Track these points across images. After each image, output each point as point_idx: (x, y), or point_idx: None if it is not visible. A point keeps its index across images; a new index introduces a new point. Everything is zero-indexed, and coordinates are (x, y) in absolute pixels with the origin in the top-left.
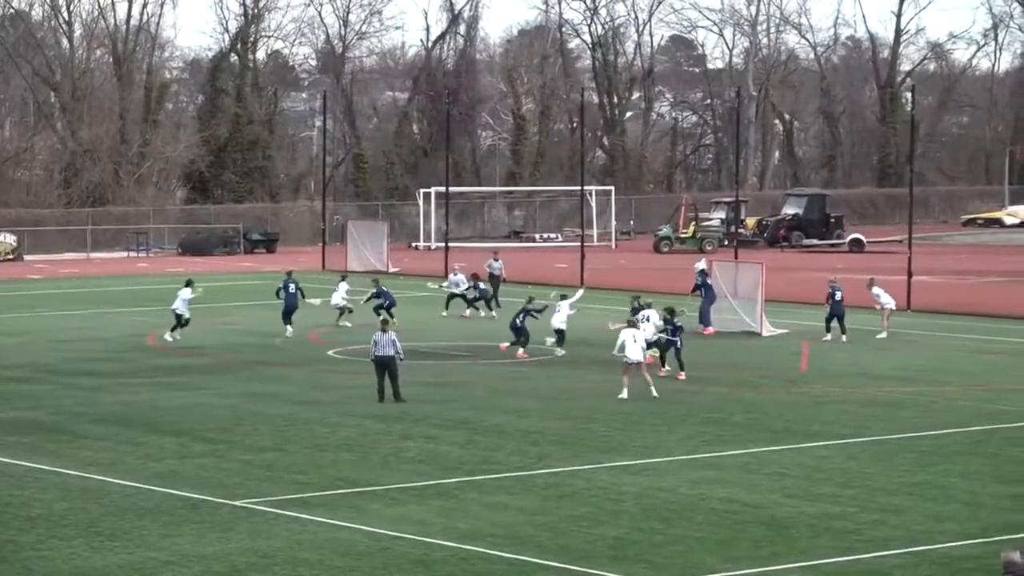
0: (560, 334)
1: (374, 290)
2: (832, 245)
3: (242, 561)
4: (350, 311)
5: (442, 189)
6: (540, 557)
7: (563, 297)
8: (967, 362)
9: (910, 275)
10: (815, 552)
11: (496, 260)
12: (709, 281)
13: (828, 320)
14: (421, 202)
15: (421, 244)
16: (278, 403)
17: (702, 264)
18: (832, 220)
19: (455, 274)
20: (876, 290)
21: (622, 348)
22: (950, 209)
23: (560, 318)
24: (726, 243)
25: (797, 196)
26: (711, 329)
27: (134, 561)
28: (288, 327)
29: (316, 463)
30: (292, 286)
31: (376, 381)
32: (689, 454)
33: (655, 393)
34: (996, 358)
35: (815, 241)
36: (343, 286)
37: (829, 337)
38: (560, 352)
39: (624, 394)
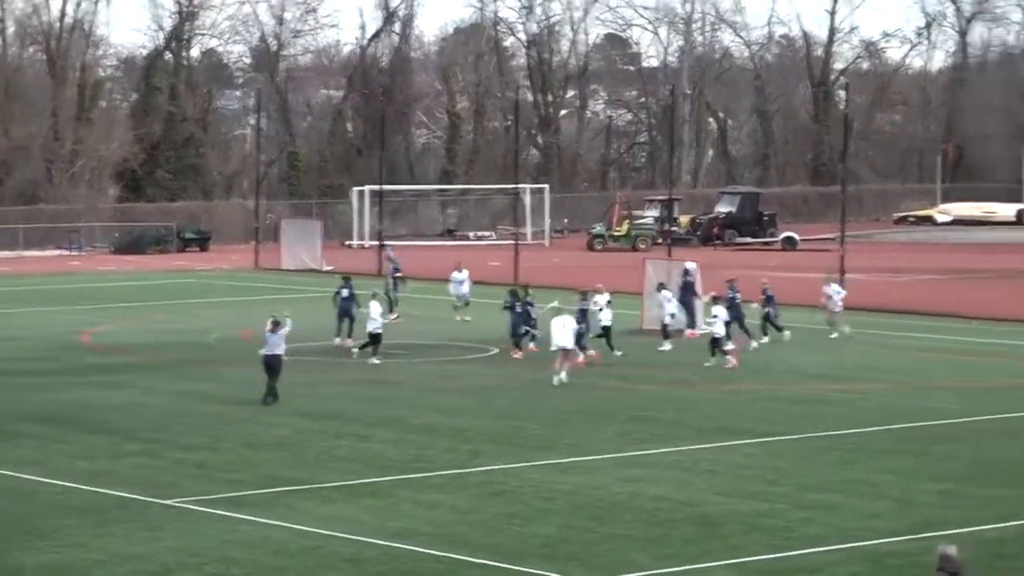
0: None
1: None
2: (765, 243)
3: (173, 560)
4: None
5: (376, 187)
6: (472, 555)
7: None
8: (898, 360)
9: (843, 273)
10: (746, 550)
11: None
12: (689, 279)
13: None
14: (355, 200)
15: (355, 242)
16: (211, 402)
17: (692, 264)
18: (765, 218)
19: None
20: (834, 287)
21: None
22: (883, 207)
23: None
24: (659, 241)
25: (730, 194)
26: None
27: (63, 561)
28: (338, 337)
29: (248, 462)
30: (347, 291)
31: (266, 382)
32: (620, 452)
33: (556, 383)
34: (927, 356)
35: (748, 239)
36: (375, 306)
37: (766, 339)
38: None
39: (564, 376)
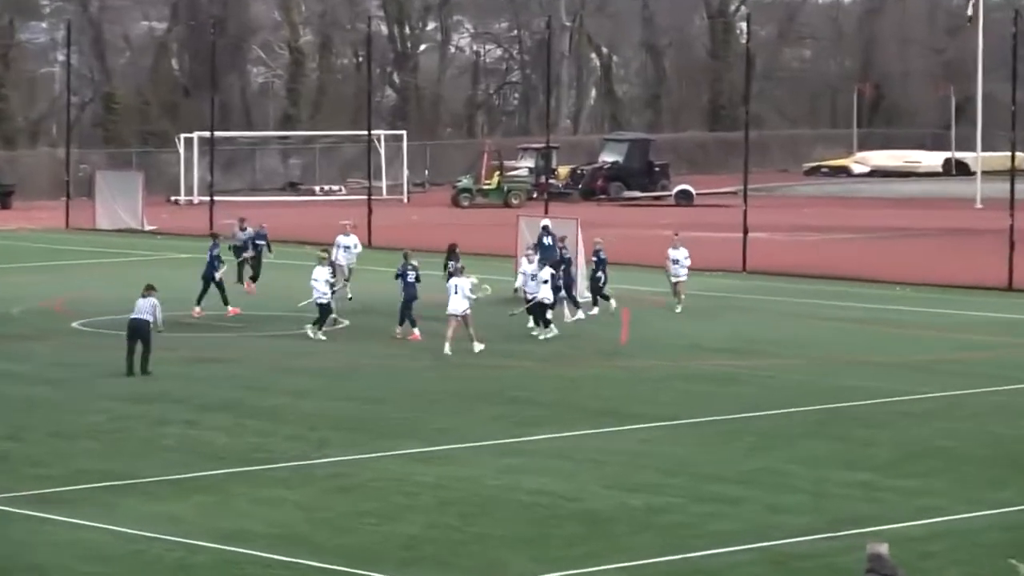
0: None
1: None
2: (656, 197)
3: None
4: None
5: (206, 134)
6: (320, 560)
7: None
8: (811, 331)
9: (746, 232)
10: (638, 550)
11: (243, 230)
12: (558, 242)
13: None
14: (182, 149)
15: (182, 198)
16: (14, 383)
17: (546, 220)
18: (657, 169)
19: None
20: (682, 250)
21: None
22: (791, 156)
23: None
24: (535, 196)
25: (616, 141)
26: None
27: None
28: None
29: (58, 453)
30: (213, 251)
31: (126, 351)
32: (493, 439)
33: (478, 347)
34: (843, 326)
35: (637, 193)
36: (321, 272)
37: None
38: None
39: (447, 349)
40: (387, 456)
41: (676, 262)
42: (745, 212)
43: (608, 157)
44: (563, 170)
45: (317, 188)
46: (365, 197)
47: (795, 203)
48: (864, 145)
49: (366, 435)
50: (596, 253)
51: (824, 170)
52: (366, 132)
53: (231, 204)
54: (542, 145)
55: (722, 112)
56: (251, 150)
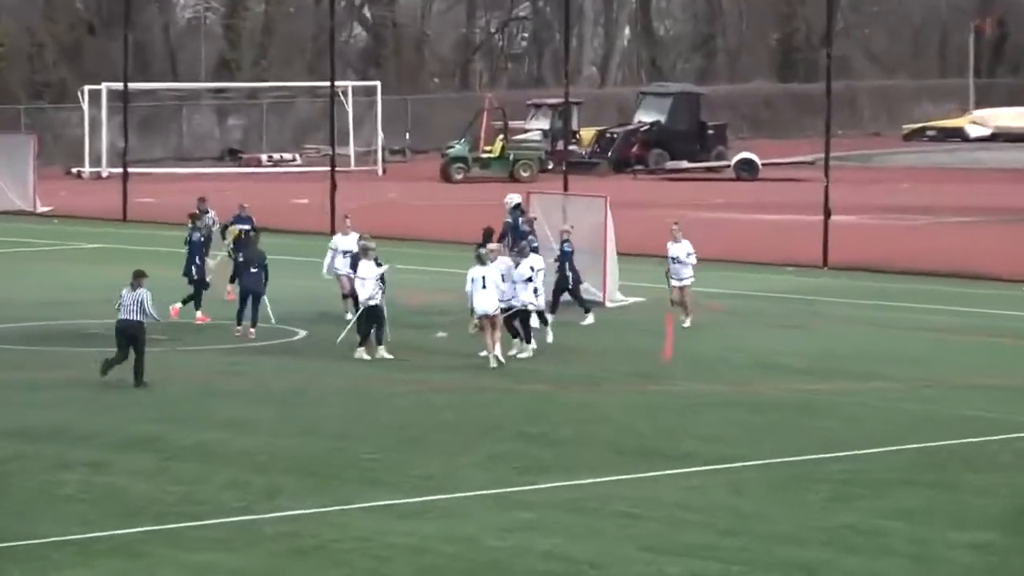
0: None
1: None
2: (710, 168)
3: None
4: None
5: (118, 86)
6: None
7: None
8: (910, 345)
9: (827, 215)
10: None
11: (205, 212)
12: (524, 226)
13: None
14: (86, 105)
15: (86, 170)
16: None
17: (516, 198)
18: (710, 132)
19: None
20: (683, 245)
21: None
22: (887, 115)
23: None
24: (550, 166)
25: (657, 96)
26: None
27: None
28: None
29: None
30: (197, 234)
31: (116, 353)
32: (495, 487)
33: (494, 364)
34: (952, 338)
35: (684, 163)
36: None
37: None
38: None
39: (492, 361)
40: (355, 509)
41: (677, 260)
42: (826, 189)
43: (646, 116)
44: (587, 133)
45: (264, 157)
46: (327, 168)
47: (892, 176)
48: (984, 100)
49: (328, 481)
50: (562, 244)
51: (930, 133)
52: (328, 83)
53: (152, 178)
54: (559, 100)
55: (795, 57)
56: (177, 107)
